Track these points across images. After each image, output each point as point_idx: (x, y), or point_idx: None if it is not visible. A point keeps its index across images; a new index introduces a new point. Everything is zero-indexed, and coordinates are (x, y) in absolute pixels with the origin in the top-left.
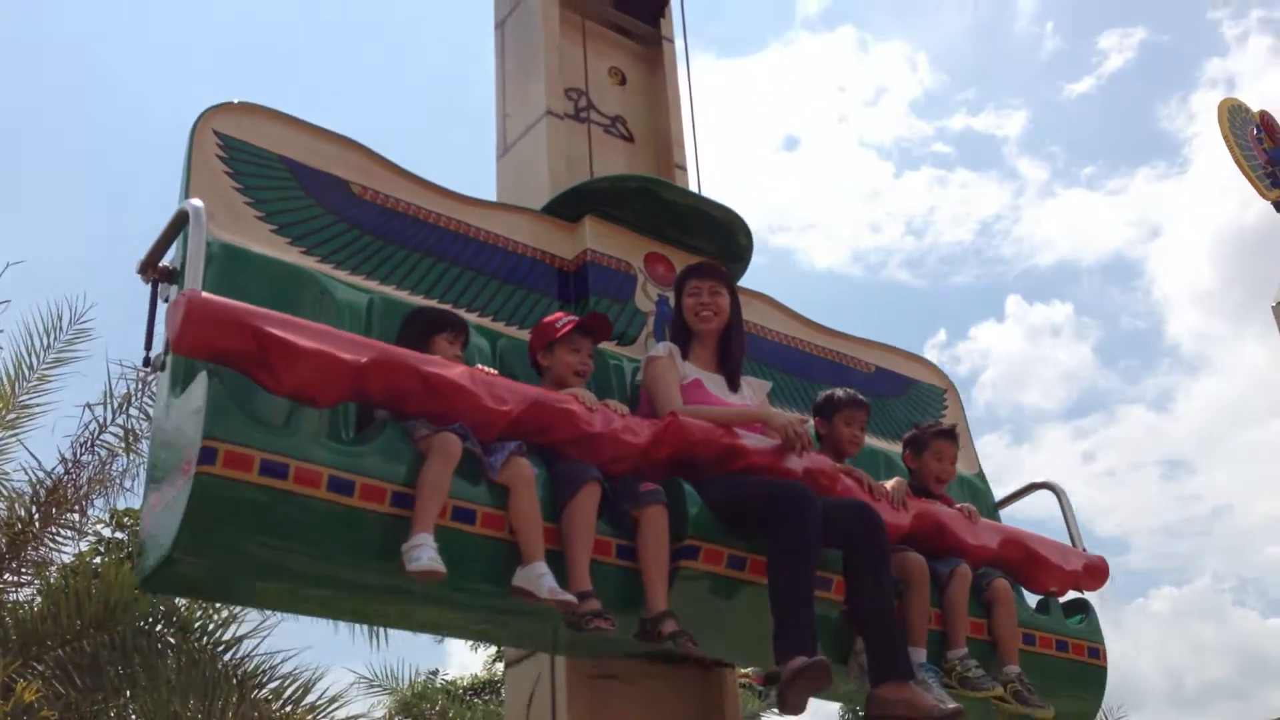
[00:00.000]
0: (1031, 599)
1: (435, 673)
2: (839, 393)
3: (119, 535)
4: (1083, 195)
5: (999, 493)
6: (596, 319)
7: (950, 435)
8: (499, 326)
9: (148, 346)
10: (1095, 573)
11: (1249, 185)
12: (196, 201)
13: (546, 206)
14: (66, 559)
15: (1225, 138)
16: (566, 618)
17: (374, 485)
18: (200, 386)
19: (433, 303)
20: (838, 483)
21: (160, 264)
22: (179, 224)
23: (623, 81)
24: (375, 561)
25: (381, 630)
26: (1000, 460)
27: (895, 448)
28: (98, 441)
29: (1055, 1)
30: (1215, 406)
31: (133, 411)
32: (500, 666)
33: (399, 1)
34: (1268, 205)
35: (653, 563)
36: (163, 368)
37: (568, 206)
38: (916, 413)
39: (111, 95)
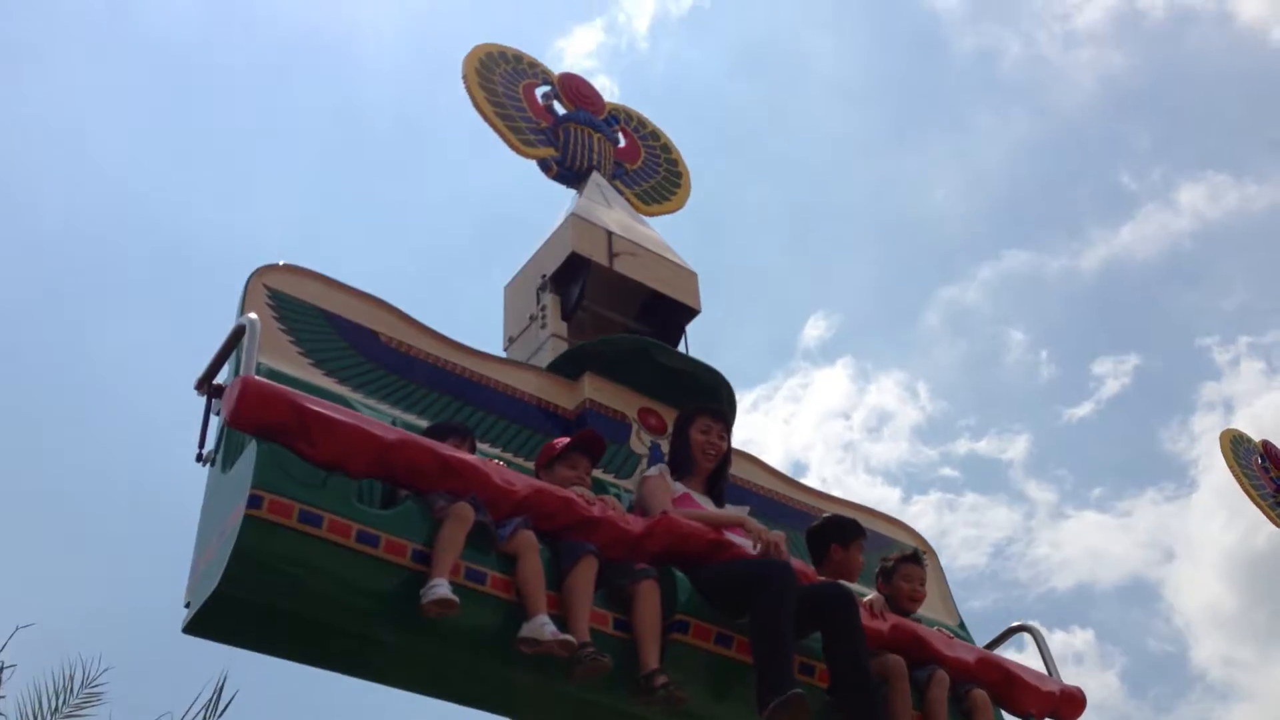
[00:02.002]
0: None
1: None
2: (856, 524)
3: None
4: (1094, 517)
5: None
6: (591, 435)
7: (915, 559)
8: (508, 456)
9: (201, 446)
10: (1073, 701)
11: (1257, 509)
12: (253, 315)
13: (550, 365)
14: None
15: (1231, 468)
16: (568, 661)
17: (397, 542)
18: (249, 452)
19: None
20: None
21: (214, 381)
22: (235, 338)
23: None
24: (395, 605)
25: None
26: None
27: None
28: None
29: (1046, 332)
30: None
31: None
32: None
33: None
34: (1277, 530)
35: (646, 629)
36: (214, 463)
37: (570, 365)
38: None
39: (114, 442)
